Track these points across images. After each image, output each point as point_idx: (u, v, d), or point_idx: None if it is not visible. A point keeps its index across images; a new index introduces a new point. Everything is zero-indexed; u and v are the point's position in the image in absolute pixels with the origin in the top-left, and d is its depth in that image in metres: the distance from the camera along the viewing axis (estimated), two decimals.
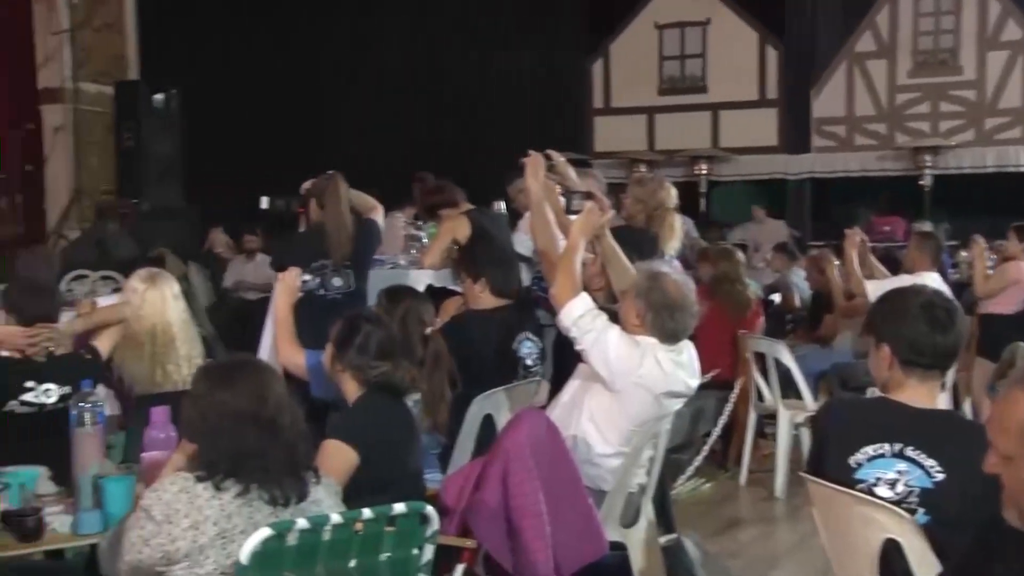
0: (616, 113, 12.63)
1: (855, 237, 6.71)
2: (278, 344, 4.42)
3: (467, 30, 11.23)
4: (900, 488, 2.65)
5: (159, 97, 10.99)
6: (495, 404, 4.26)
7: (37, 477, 3.36)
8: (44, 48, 10.82)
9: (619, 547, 3.75)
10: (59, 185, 10.87)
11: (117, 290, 7.45)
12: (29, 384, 4.04)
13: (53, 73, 10.81)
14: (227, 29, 11.09)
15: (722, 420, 6.36)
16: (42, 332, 4.20)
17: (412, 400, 3.75)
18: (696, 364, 3.92)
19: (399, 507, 2.57)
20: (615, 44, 12.67)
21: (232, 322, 9.01)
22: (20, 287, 4.53)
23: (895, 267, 7.17)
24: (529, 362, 4.65)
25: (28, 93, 10.79)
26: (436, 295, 5.43)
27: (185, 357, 4.56)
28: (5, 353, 4.24)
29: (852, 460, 2.71)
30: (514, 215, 6.56)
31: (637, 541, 3.86)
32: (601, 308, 3.93)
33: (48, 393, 4.08)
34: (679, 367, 3.80)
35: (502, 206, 6.76)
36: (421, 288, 5.43)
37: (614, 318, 3.88)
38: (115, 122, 10.98)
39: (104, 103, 10.99)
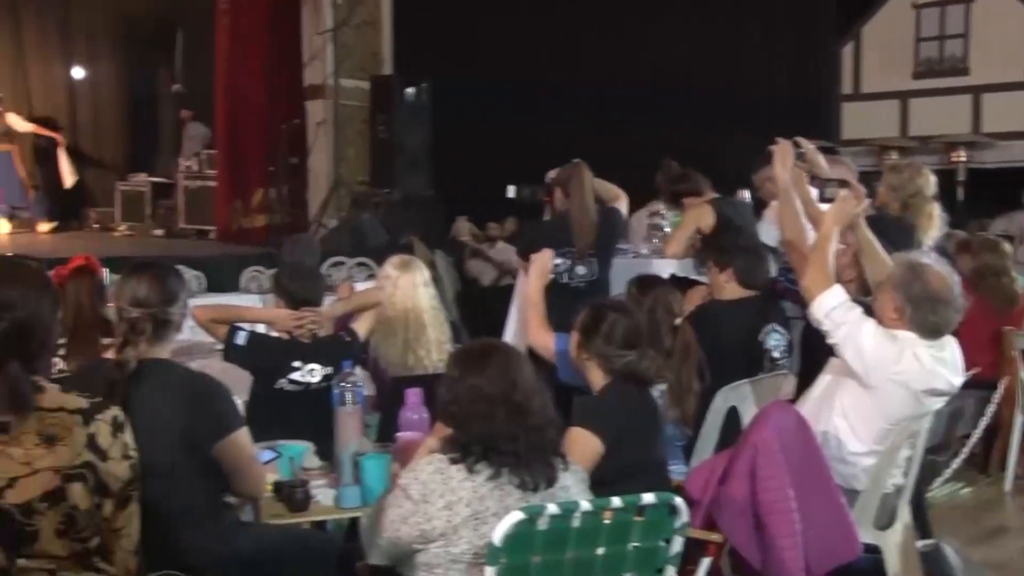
0: (867, 99, 12.15)
1: None
2: (529, 325, 4.45)
3: (713, 15, 11.06)
4: None
5: (411, 91, 11.29)
6: (740, 396, 4.18)
7: (304, 451, 3.55)
8: (310, 47, 11.33)
9: (873, 550, 3.60)
10: (320, 176, 11.34)
11: (371, 276, 7.78)
12: (296, 364, 4.25)
13: (317, 71, 11.31)
14: (476, 25, 11.31)
15: (983, 422, 6.01)
16: (307, 315, 4.41)
17: (658, 390, 3.73)
18: (960, 361, 3.70)
19: (648, 497, 2.55)
20: (867, 27, 12.19)
21: (475, 308, 9.22)
22: (289, 272, 4.77)
23: None
24: (776, 354, 4.54)
25: (296, 90, 11.30)
26: (679, 285, 5.37)
27: (435, 342, 4.71)
28: (275, 334, 4.50)
29: None
30: (759, 204, 6.42)
31: (892, 544, 3.69)
32: (854, 301, 3.79)
33: (312, 373, 4.27)
34: (941, 364, 3.60)
35: (747, 195, 6.63)
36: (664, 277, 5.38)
37: (868, 311, 3.73)
38: (370, 115, 11.35)
39: (361, 97, 11.38)
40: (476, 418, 2.63)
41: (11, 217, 11.59)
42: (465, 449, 2.62)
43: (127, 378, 2.98)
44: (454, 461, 2.62)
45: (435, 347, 4.70)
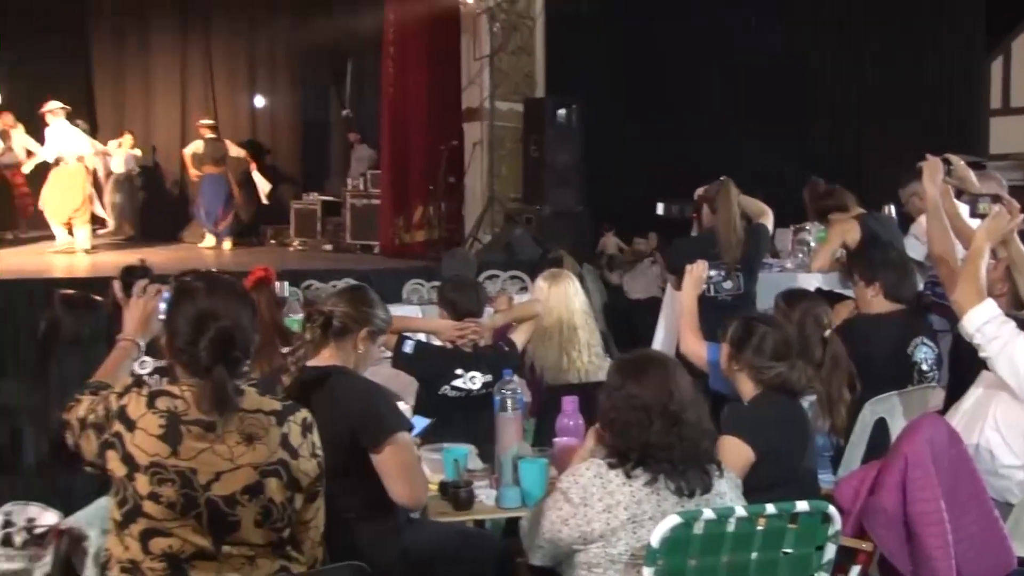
0: (1016, 113, 11.69)
1: None
2: (682, 333, 4.42)
3: (857, 31, 10.78)
4: None
5: (562, 112, 11.31)
6: (888, 408, 4.06)
7: (467, 454, 3.59)
8: (468, 73, 11.48)
9: None
10: (475, 194, 11.46)
11: (523, 288, 7.85)
12: (458, 371, 4.33)
13: (474, 94, 11.44)
14: (623, 50, 11.29)
15: None
16: (469, 326, 4.48)
17: (807, 401, 3.66)
18: None
19: (802, 505, 2.53)
20: (1017, 41, 11.73)
21: (621, 319, 9.20)
22: (452, 286, 4.84)
23: None
24: (925, 367, 4.39)
25: (454, 113, 11.47)
26: (825, 298, 5.26)
27: (586, 344, 4.76)
28: (438, 343, 4.59)
29: None
30: (904, 219, 6.25)
31: None
32: (1006, 315, 3.65)
33: (473, 380, 4.34)
34: None
35: (892, 210, 6.46)
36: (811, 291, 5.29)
37: (1021, 325, 3.59)
38: (523, 135, 11.41)
39: (514, 119, 11.45)
40: (633, 426, 2.64)
41: (215, 235, 12.13)
42: (623, 456, 2.63)
43: (308, 382, 3.10)
44: (612, 466, 2.63)
45: (586, 349, 4.75)
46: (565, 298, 4.79)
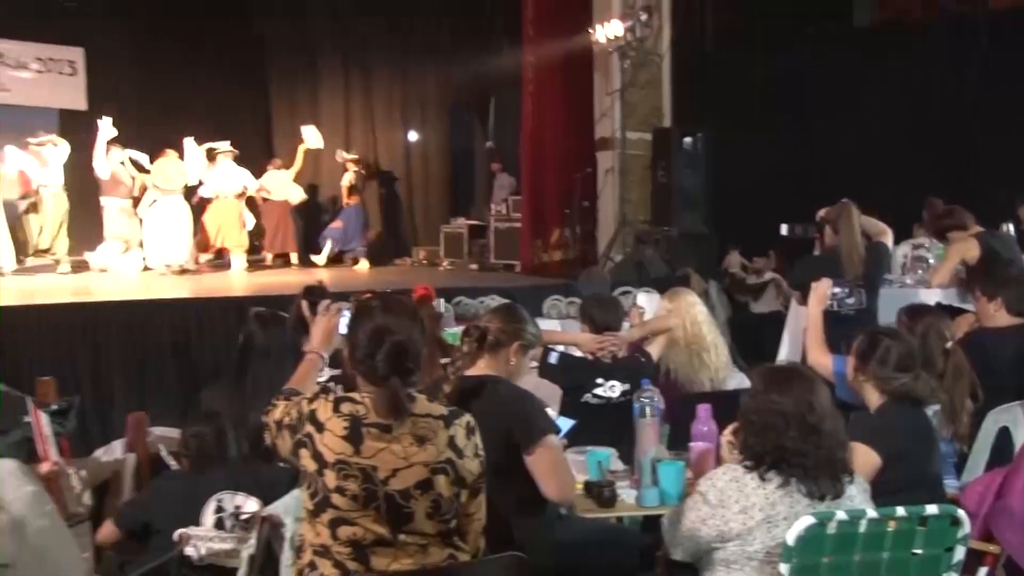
0: None
1: None
2: (808, 346, 4.36)
3: (966, 53, 10.37)
4: None
5: (688, 140, 11.23)
6: (1012, 418, 3.92)
7: (609, 456, 3.60)
8: (600, 106, 11.46)
9: None
10: (608, 217, 11.40)
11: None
12: (599, 381, 4.34)
13: (606, 126, 11.40)
14: (745, 81, 11.15)
15: None
16: (609, 339, 4.50)
17: (932, 410, 3.56)
18: None
19: (931, 508, 2.47)
20: None
21: (745, 332, 9.05)
22: (593, 302, 4.86)
23: None
24: None
25: (587, 143, 11.46)
26: (946, 312, 5.11)
27: (712, 354, 4.72)
28: (580, 355, 4.62)
29: None
30: (1022, 237, 6.02)
31: None
32: None
33: (613, 388, 4.35)
34: None
35: (1010, 228, 6.22)
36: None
37: None
38: (652, 163, 11.33)
39: (643, 147, 11.37)
40: (771, 430, 2.61)
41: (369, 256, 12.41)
42: (758, 457, 2.62)
43: (468, 389, 3.15)
44: (748, 469, 2.61)
45: (712, 348, 4.73)
46: (688, 308, 4.78)
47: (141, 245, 10.83)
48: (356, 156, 12.80)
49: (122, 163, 10.81)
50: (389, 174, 14.13)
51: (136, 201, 10.94)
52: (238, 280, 10.86)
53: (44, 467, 3.04)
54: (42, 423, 3.31)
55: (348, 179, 12.44)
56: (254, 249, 12.01)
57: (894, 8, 11.20)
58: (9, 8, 11.51)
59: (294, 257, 12.06)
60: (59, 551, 2.43)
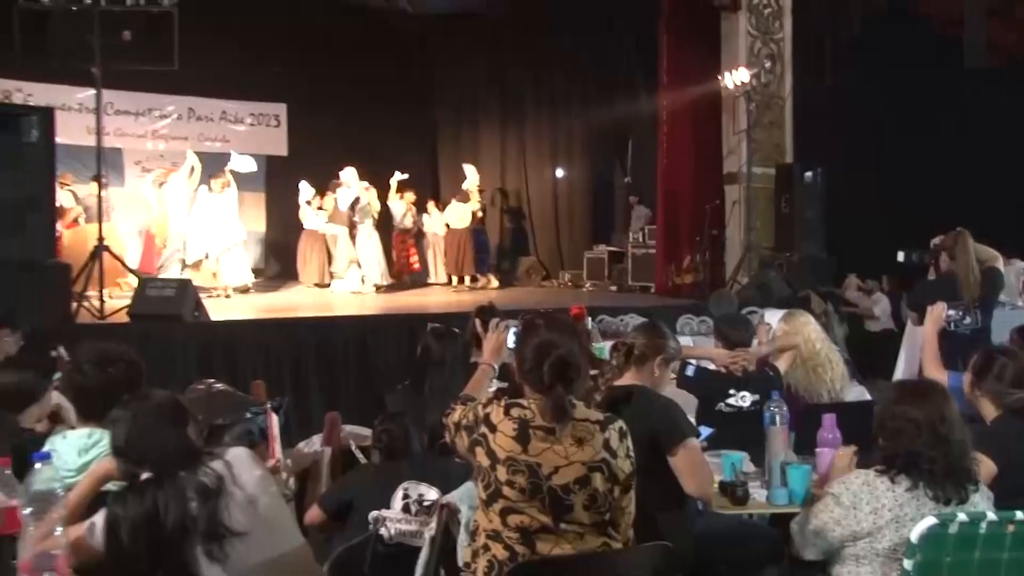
0: None
1: None
2: (925, 363, 4.22)
3: None
4: None
5: (808, 174, 11.00)
6: None
7: (742, 459, 3.55)
8: (728, 144, 11.32)
9: None
10: (734, 243, 11.23)
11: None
12: (731, 392, 4.30)
13: (733, 162, 11.25)
14: (860, 120, 10.86)
15: None
16: (740, 354, 4.45)
17: None
18: None
19: None
20: None
21: (862, 349, 8.76)
22: (727, 321, 4.82)
23: None
24: None
25: (716, 178, 11.33)
26: None
27: (826, 359, 4.60)
28: (713, 367, 4.59)
29: None
30: None
31: None
32: None
33: (743, 399, 4.30)
34: None
35: None
36: None
37: None
38: (775, 194, 11.14)
39: (767, 181, 11.19)
40: (905, 436, 2.56)
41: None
42: (890, 460, 2.56)
43: (618, 397, 3.17)
44: (880, 474, 2.56)
45: (830, 373, 4.58)
46: (804, 327, 4.67)
47: (359, 266, 11.28)
48: (480, 187, 12.83)
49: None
50: (540, 205, 14.29)
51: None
52: (409, 299, 11.14)
53: (269, 462, 3.20)
54: (273, 424, 3.48)
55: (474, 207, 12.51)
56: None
57: (1003, 51, 10.65)
58: (232, 75, 12.38)
59: (467, 280, 12.30)
60: (283, 524, 2.54)
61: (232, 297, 10.40)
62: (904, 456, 2.53)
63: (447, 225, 12.33)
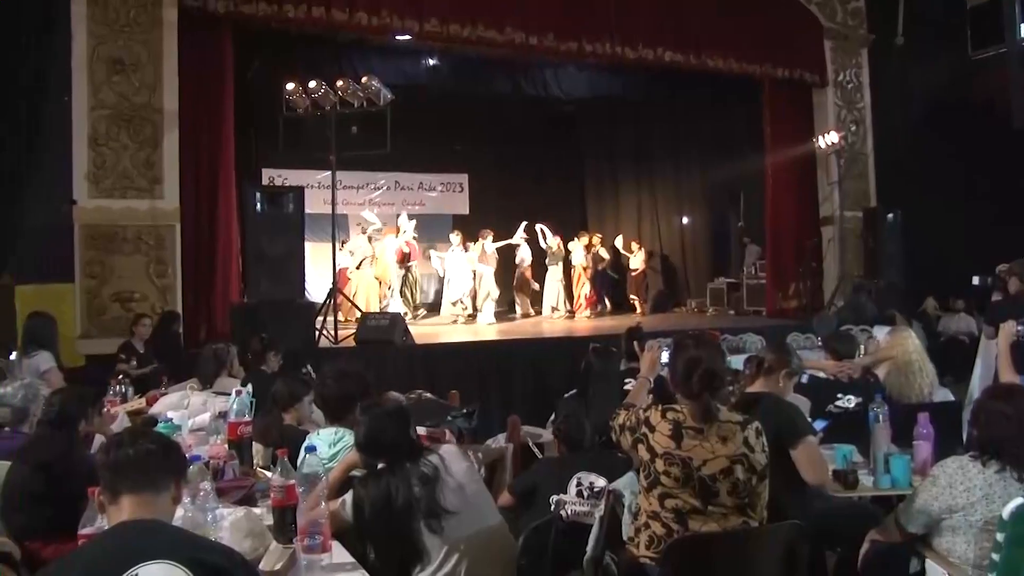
0: None
1: None
2: (1000, 369, 4.04)
3: None
4: None
5: (890, 216, 10.61)
6: None
7: (851, 451, 3.40)
8: (822, 192, 10.99)
9: None
10: (830, 273, 10.83)
11: (870, 338, 7.20)
12: (839, 395, 4.16)
13: (827, 207, 10.88)
14: (931, 170, 10.24)
15: None
16: (846, 365, 4.30)
17: None
18: None
19: None
20: None
21: (942, 360, 8.19)
22: (835, 337, 4.63)
23: None
24: None
25: (813, 220, 10.99)
26: None
27: (919, 367, 4.40)
28: (823, 376, 4.43)
29: None
30: None
31: None
32: None
33: (849, 401, 4.15)
34: None
35: None
36: None
37: None
38: (863, 233, 10.76)
39: (856, 223, 10.79)
40: (995, 425, 2.45)
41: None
42: (983, 446, 2.46)
43: (750, 401, 3.11)
44: (973, 459, 2.46)
45: (920, 378, 4.38)
46: (901, 341, 4.47)
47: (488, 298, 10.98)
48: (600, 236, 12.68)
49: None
50: (670, 247, 14.04)
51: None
52: (571, 323, 11.12)
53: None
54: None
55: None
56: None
57: None
58: (425, 153, 12.88)
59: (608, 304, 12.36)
60: (486, 505, 2.57)
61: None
62: (996, 442, 2.43)
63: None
